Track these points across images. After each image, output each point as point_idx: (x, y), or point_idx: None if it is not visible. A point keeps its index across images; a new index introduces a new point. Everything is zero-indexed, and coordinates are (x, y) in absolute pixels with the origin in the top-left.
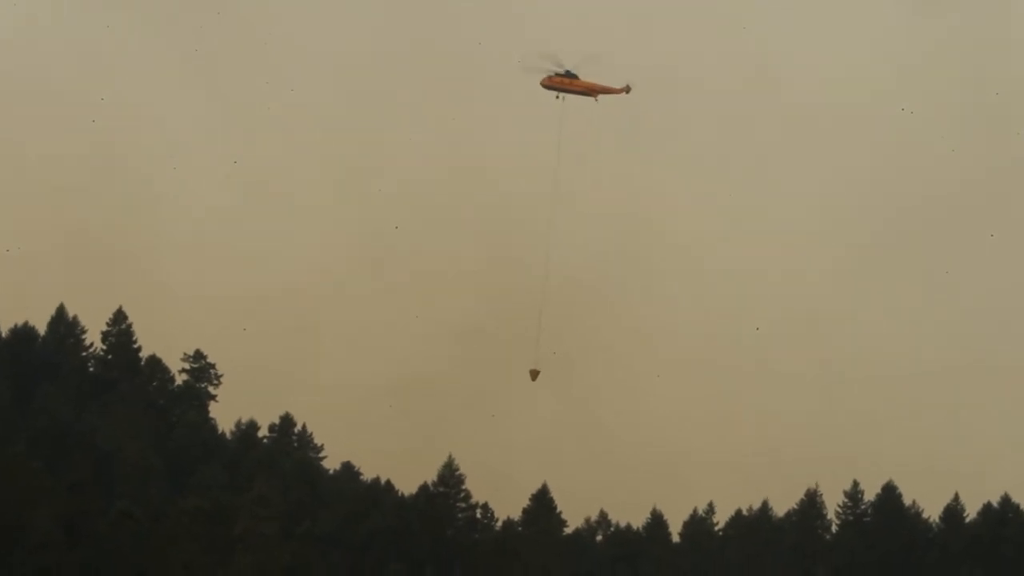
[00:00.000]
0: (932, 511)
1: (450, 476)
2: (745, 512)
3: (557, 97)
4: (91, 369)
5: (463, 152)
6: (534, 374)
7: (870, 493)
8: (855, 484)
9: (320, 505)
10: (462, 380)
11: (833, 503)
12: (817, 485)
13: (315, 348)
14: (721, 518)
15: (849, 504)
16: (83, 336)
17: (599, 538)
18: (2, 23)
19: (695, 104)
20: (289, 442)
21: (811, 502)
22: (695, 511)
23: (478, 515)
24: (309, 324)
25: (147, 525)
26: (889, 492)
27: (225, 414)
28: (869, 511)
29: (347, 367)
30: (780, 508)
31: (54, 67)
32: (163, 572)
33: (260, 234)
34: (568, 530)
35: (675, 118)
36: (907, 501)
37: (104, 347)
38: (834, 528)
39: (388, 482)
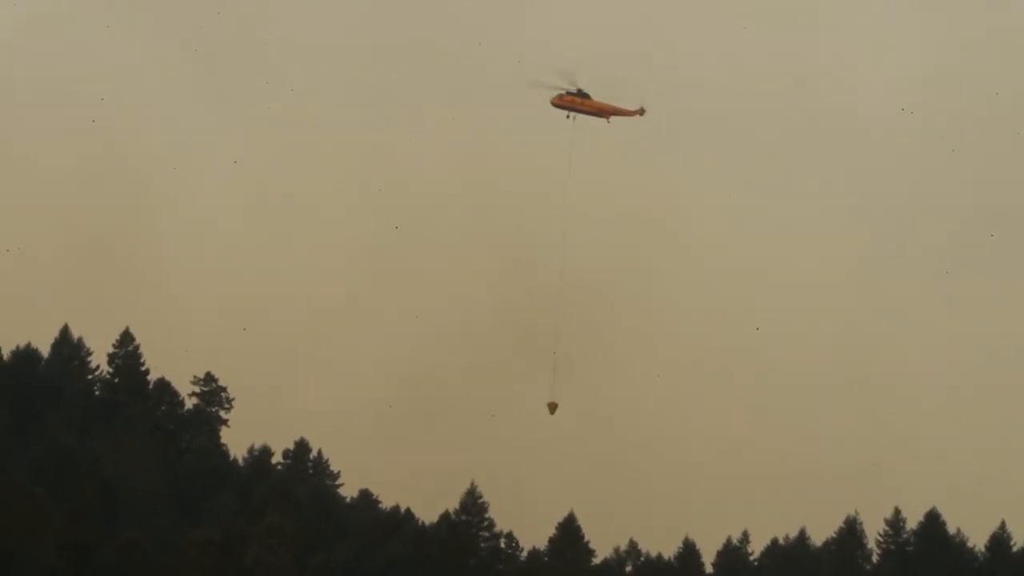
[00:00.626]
0: (977, 540)
1: (473, 503)
2: (781, 541)
3: (568, 117)
4: (97, 393)
5: (464, 153)
6: (552, 407)
7: (912, 521)
8: (897, 512)
9: (336, 535)
10: (485, 401)
11: (873, 531)
12: (857, 512)
13: (329, 367)
14: (756, 547)
15: (890, 532)
16: (88, 358)
17: (628, 569)
18: (3, 24)
19: (699, 108)
20: (304, 469)
21: (850, 530)
22: (729, 540)
23: (502, 544)
24: (321, 342)
25: (155, 555)
26: (932, 520)
27: (237, 439)
28: (911, 540)
29: (360, 383)
30: (818, 537)
31: (56, 71)
32: None
33: (270, 253)
34: (596, 560)
35: (682, 121)
36: (951, 529)
37: (110, 370)
38: (875, 558)
39: (408, 510)
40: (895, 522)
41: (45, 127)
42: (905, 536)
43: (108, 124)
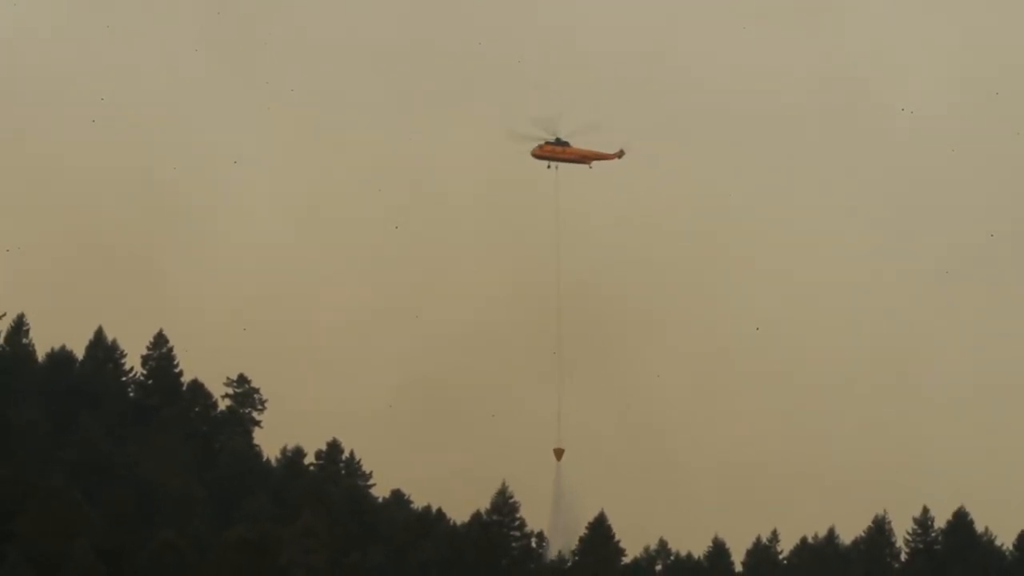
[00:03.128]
0: (1006, 538)
1: (504, 504)
2: (811, 540)
3: (549, 167)
4: (131, 395)
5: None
6: (559, 453)
7: (941, 519)
8: (925, 510)
9: (369, 535)
10: (515, 401)
11: (902, 530)
12: (885, 511)
13: (360, 367)
14: (786, 546)
15: (919, 531)
16: (122, 361)
17: (658, 568)
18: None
19: (698, 107)
20: (337, 470)
21: (879, 529)
22: (758, 539)
23: (533, 544)
24: (351, 343)
25: (190, 557)
26: (961, 518)
27: (270, 441)
28: (940, 538)
29: (391, 383)
30: (847, 535)
31: (87, 71)
32: None
33: (304, 254)
34: (626, 560)
35: (681, 121)
36: (979, 528)
37: (144, 372)
38: (903, 556)
39: (439, 510)
40: (923, 521)
41: (77, 129)
42: (933, 535)
43: (143, 127)
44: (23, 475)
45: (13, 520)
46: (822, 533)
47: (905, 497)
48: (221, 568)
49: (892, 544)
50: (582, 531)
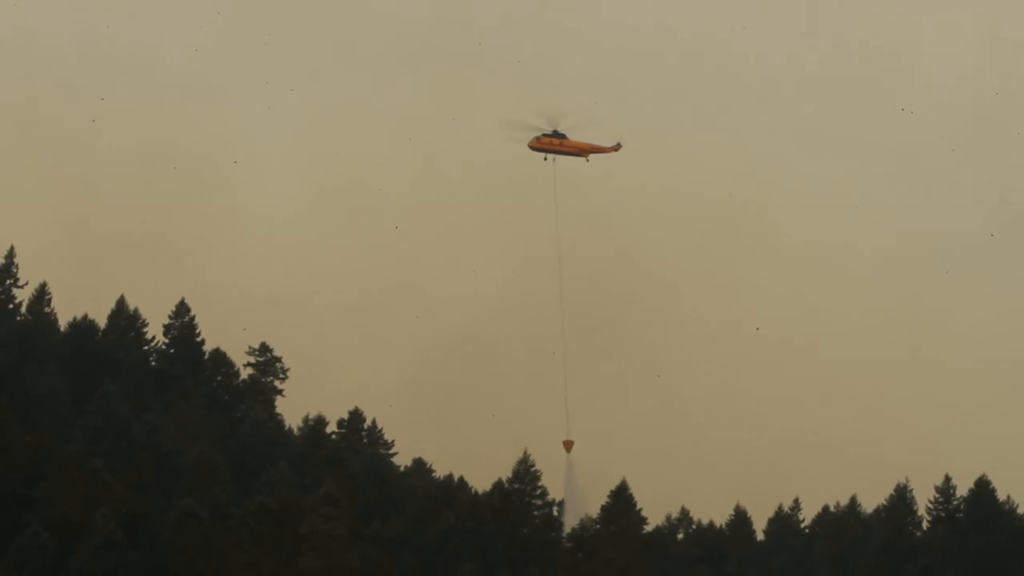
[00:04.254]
0: None
1: (525, 472)
2: (832, 508)
3: (545, 159)
4: (153, 364)
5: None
6: (568, 445)
7: (963, 488)
8: (947, 479)
9: (390, 504)
10: (539, 366)
11: (924, 499)
12: (907, 480)
13: (382, 335)
14: (808, 515)
15: (941, 500)
16: (144, 330)
17: (680, 536)
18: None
19: (698, 106)
20: (358, 438)
21: (901, 498)
22: (780, 508)
23: (555, 513)
24: (374, 311)
25: (211, 526)
26: (983, 487)
27: (292, 409)
28: (962, 507)
29: (413, 351)
30: (869, 504)
31: (106, 44)
32: (227, 574)
33: (326, 223)
34: (648, 528)
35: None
36: (1002, 496)
37: (166, 341)
38: (925, 525)
39: (461, 479)
40: (945, 489)
41: (98, 101)
42: (955, 503)
43: (165, 100)
44: (44, 443)
45: (33, 488)
46: (844, 501)
47: (927, 465)
48: (242, 537)
49: (914, 512)
50: (595, 511)
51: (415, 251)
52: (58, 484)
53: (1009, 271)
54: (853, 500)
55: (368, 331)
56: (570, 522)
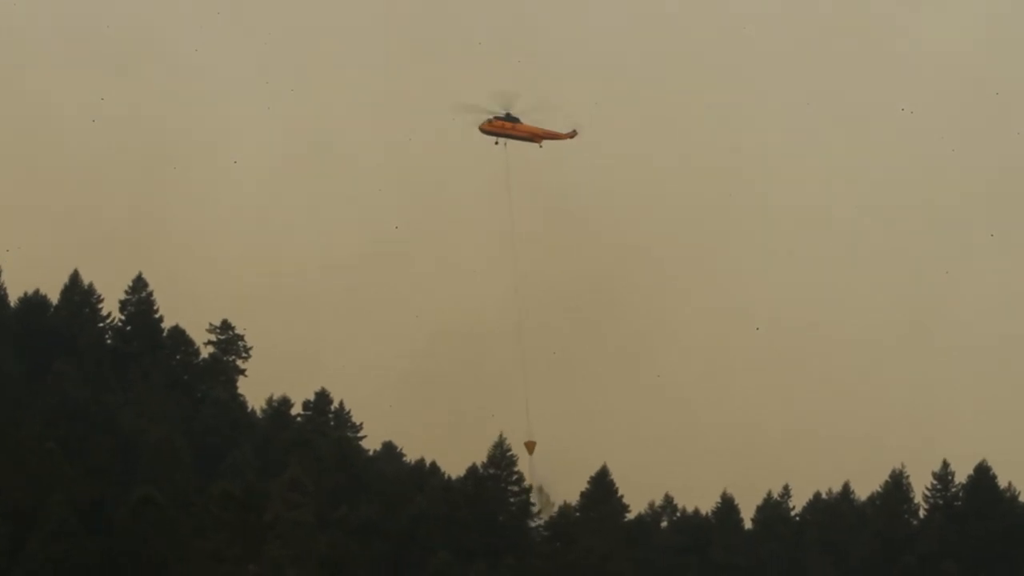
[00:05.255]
0: None
1: (501, 457)
2: (824, 495)
3: (496, 143)
4: (109, 342)
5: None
6: (530, 447)
7: (961, 474)
8: (945, 464)
9: (359, 490)
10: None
11: (921, 485)
12: (903, 466)
13: (351, 314)
14: (798, 502)
15: (938, 486)
16: (99, 306)
17: (664, 524)
18: None
19: (697, 106)
20: (325, 421)
21: (896, 484)
22: (769, 494)
23: (532, 499)
24: (343, 289)
25: (171, 512)
26: (982, 473)
27: (255, 390)
28: (960, 494)
29: (384, 331)
30: (863, 491)
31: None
32: (189, 563)
33: (291, 198)
34: (630, 516)
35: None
36: (1002, 483)
37: (123, 317)
38: (922, 513)
39: (433, 464)
40: (943, 475)
41: (62, 72)
42: (954, 490)
43: (128, 68)
44: None
45: None
46: (836, 488)
47: (924, 450)
48: (204, 524)
49: (910, 500)
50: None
51: (384, 234)
52: (10, 469)
53: (1009, 271)
54: (846, 487)
55: (335, 309)
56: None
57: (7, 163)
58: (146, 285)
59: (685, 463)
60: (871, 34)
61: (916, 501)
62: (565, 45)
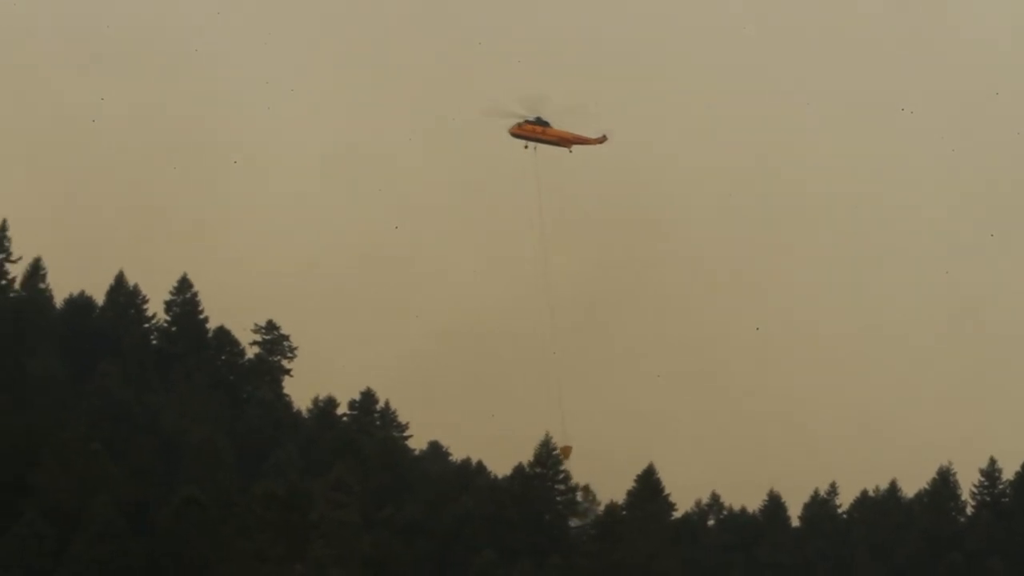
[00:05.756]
0: None
1: (547, 456)
2: (871, 493)
3: (526, 147)
4: (154, 343)
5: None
6: (566, 451)
7: (1008, 471)
8: (992, 462)
9: (404, 489)
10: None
11: (968, 483)
12: (950, 463)
13: (396, 312)
14: (845, 500)
15: (985, 483)
16: (144, 307)
17: (711, 523)
18: None
19: (696, 107)
20: (371, 421)
21: (943, 481)
22: (816, 492)
23: (578, 498)
24: (387, 288)
25: (215, 513)
26: None
27: (300, 390)
28: (1008, 491)
29: (429, 330)
30: (909, 488)
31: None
32: (233, 564)
33: (335, 199)
34: (677, 514)
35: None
36: None
37: (167, 318)
38: (969, 510)
39: (479, 463)
40: (990, 472)
41: (101, 74)
42: (1001, 487)
43: (169, 69)
44: (40, 427)
45: (30, 474)
46: (883, 486)
47: (971, 447)
48: (248, 524)
49: (957, 497)
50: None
51: (422, 234)
52: (55, 470)
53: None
54: (893, 484)
55: (380, 308)
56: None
57: (52, 166)
58: (191, 286)
59: (732, 461)
60: (870, 33)
61: (963, 498)
62: (596, 49)
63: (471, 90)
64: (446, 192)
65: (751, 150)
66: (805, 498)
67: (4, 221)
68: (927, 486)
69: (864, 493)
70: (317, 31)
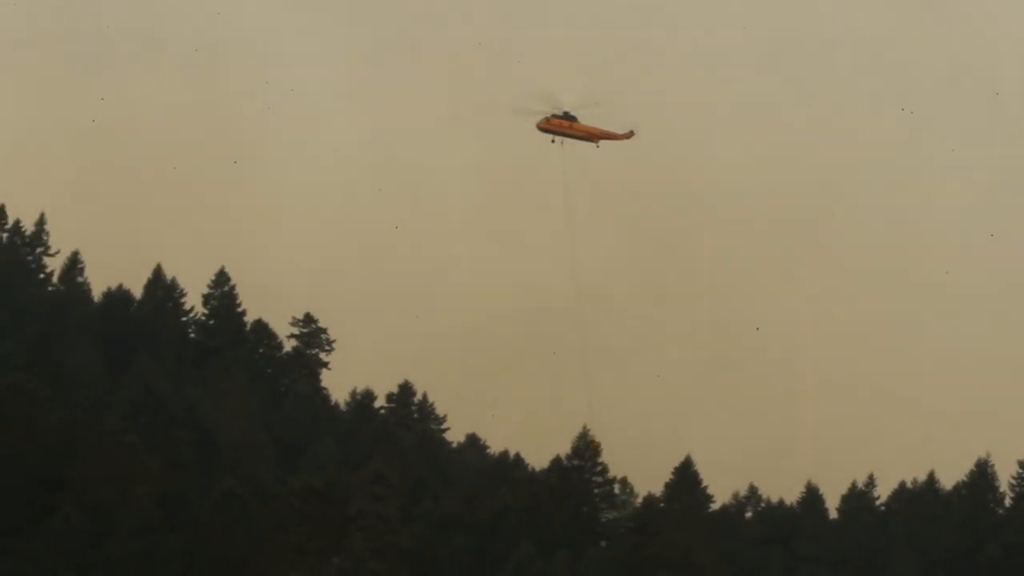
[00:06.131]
0: None
1: (585, 448)
2: (909, 485)
3: (553, 141)
4: (191, 335)
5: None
6: (597, 447)
7: None
8: None
9: (442, 482)
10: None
11: (1006, 474)
12: (988, 454)
13: (434, 305)
14: (883, 491)
15: None
16: (182, 300)
17: (748, 515)
18: None
19: (697, 109)
20: (408, 413)
21: (982, 473)
22: (854, 484)
23: (616, 491)
24: (425, 280)
25: (253, 506)
26: None
27: (338, 383)
28: None
29: (468, 322)
30: (948, 480)
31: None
32: (271, 557)
33: (370, 190)
34: (714, 506)
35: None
36: None
37: (205, 311)
38: (1007, 501)
39: (517, 455)
40: None
41: (140, 69)
42: None
43: (208, 76)
44: (77, 420)
45: (67, 467)
46: (921, 477)
47: (1010, 439)
48: (286, 517)
49: (995, 489)
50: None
51: (456, 228)
52: (92, 463)
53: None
54: (931, 476)
55: (415, 300)
56: None
57: (90, 159)
58: (228, 279)
59: (770, 453)
60: (870, 33)
61: (1001, 490)
62: (624, 44)
63: (497, 85)
64: (476, 185)
65: (750, 151)
66: (843, 490)
67: (42, 215)
68: (965, 478)
69: (902, 485)
70: (350, 23)
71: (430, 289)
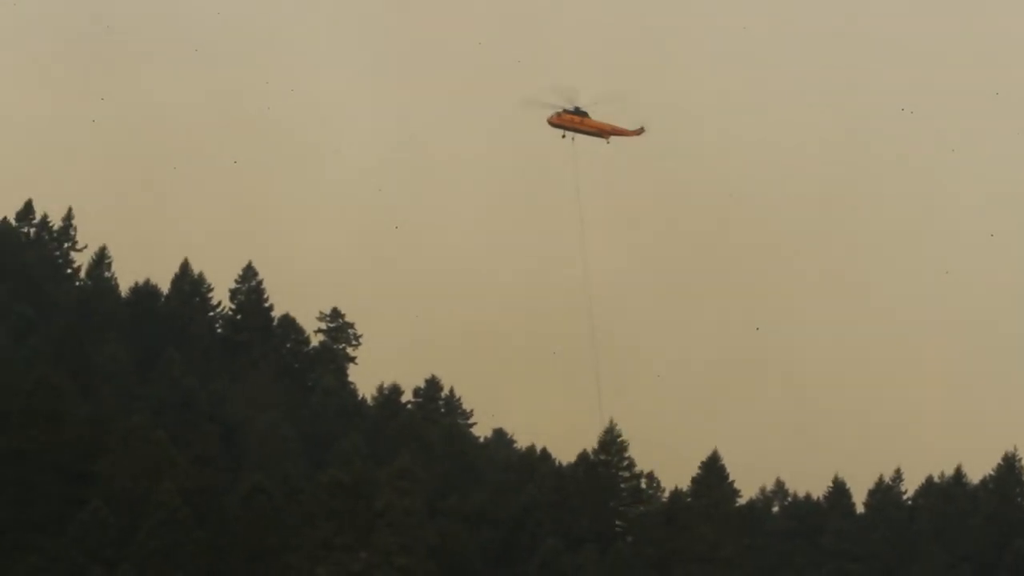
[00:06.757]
0: None
1: (612, 443)
2: (937, 479)
3: (564, 136)
4: (219, 330)
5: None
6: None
7: None
8: None
9: (469, 477)
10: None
11: None
12: (1016, 448)
13: (461, 300)
14: (910, 486)
15: None
16: (209, 295)
17: (775, 510)
18: None
19: (698, 111)
20: (435, 408)
21: (1009, 467)
22: (881, 479)
23: (643, 485)
24: (450, 276)
25: (280, 501)
26: None
27: (365, 378)
28: None
29: (493, 317)
30: (975, 474)
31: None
32: (298, 552)
33: (396, 185)
34: (741, 501)
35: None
36: None
37: (232, 306)
38: None
39: (544, 450)
40: None
41: (165, 57)
42: None
43: (233, 54)
44: (105, 415)
45: (94, 462)
46: (948, 472)
47: None
48: (313, 512)
49: (1023, 483)
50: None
51: (472, 224)
52: (120, 458)
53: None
54: (958, 470)
55: (446, 297)
56: None
57: (118, 155)
58: (256, 274)
59: (797, 447)
60: (870, 33)
61: None
62: (640, 42)
63: (509, 81)
64: (494, 180)
65: (750, 151)
66: (870, 484)
67: (70, 210)
68: (992, 472)
69: (929, 479)
70: (384, 20)
71: (456, 284)
